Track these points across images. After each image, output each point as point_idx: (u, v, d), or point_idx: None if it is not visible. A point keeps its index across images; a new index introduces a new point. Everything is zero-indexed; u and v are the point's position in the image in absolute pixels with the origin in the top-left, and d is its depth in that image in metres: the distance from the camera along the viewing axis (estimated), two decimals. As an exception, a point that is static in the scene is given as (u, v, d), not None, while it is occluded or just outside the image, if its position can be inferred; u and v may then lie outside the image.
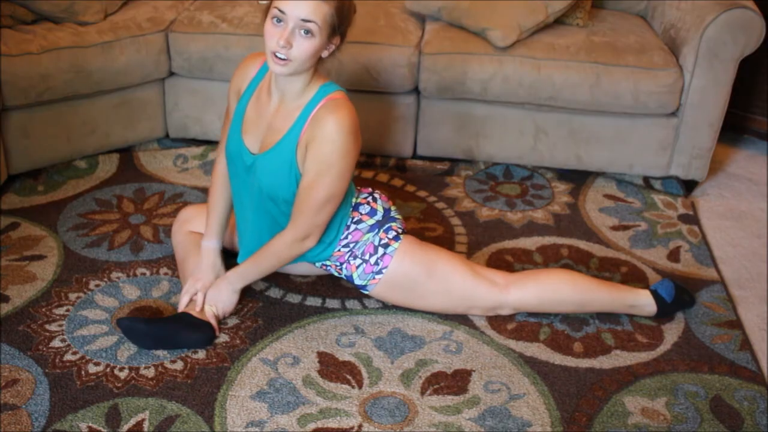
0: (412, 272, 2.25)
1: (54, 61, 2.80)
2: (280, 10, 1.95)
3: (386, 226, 2.26)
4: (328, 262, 2.30)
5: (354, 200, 2.28)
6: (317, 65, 2.09)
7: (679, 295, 2.37)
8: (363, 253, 2.24)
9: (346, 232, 2.24)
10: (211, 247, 2.33)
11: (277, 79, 2.09)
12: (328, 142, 2.03)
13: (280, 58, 1.97)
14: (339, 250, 2.26)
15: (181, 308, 2.25)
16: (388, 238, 2.24)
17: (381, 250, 2.23)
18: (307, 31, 1.95)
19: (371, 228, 2.25)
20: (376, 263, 2.23)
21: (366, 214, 2.26)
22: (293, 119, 2.10)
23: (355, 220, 2.25)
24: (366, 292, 2.32)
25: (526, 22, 2.97)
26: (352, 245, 2.25)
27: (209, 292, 2.25)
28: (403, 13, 3.22)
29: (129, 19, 3.03)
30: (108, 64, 2.91)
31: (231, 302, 2.26)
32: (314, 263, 2.32)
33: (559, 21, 3.13)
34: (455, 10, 3.06)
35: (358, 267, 2.25)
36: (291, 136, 2.09)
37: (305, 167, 2.08)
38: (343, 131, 2.04)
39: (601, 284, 2.33)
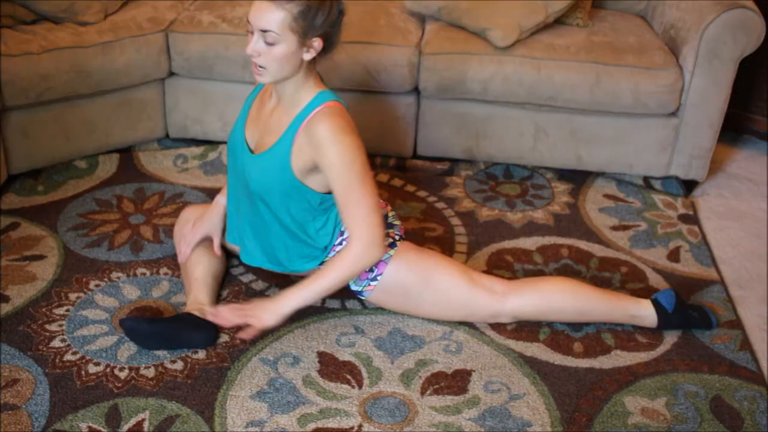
0: (407, 280, 2.23)
1: (54, 61, 2.80)
2: (248, 21, 1.99)
3: None
4: None
5: None
6: (310, 69, 2.08)
7: (684, 308, 2.32)
8: None
9: (341, 238, 2.23)
10: (221, 203, 2.37)
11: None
12: (334, 144, 2.02)
13: (257, 67, 2.01)
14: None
15: (183, 258, 2.31)
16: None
17: None
18: (270, 40, 1.97)
19: None
20: (371, 270, 2.22)
21: None
22: (288, 123, 2.10)
23: None
24: (363, 298, 2.31)
25: (526, 22, 2.97)
26: None
27: (253, 306, 2.11)
28: (403, 13, 3.22)
29: (129, 19, 3.03)
30: (108, 64, 2.91)
31: (273, 323, 2.11)
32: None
33: (559, 21, 3.13)
34: (455, 10, 3.06)
35: None
36: (286, 140, 2.10)
37: (330, 179, 2.06)
38: (343, 131, 2.04)
39: (602, 294, 2.31)
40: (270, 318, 2.08)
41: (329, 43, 2.05)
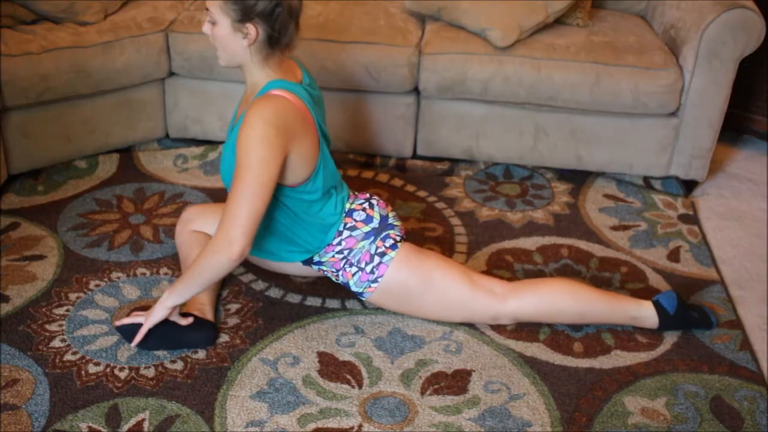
0: (408, 282, 2.23)
1: (54, 61, 2.80)
2: None
3: (383, 234, 2.23)
4: (324, 268, 2.29)
5: (348, 206, 2.25)
6: (260, 58, 2.06)
7: (685, 310, 2.31)
8: (359, 261, 2.22)
9: (339, 238, 2.22)
10: None
11: None
12: (246, 126, 1.99)
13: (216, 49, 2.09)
14: (333, 257, 2.24)
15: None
16: (385, 247, 2.21)
17: (377, 259, 2.21)
18: (211, 19, 2.04)
19: (366, 235, 2.22)
20: (372, 272, 2.21)
21: (361, 221, 2.23)
22: (242, 111, 2.13)
23: (348, 226, 2.22)
24: (363, 299, 2.31)
25: (526, 22, 2.97)
26: (346, 252, 2.23)
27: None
28: (403, 13, 3.22)
29: (129, 19, 3.03)
30: (108, 64, 2.91)
31: (161, 316, 2.13)
32: (311, 266, 2.31)
33: (559, 21, 3.13)
34: (455, 10, 3.06)
35: (353, 275, 2.23)
36: (236, 128, 2.10)
37: None
38: (262, 118, 1.97)
39: (603, 295, 2.30)
40: (156, 312, 2.11)
41: (270, 36, 2.03)
